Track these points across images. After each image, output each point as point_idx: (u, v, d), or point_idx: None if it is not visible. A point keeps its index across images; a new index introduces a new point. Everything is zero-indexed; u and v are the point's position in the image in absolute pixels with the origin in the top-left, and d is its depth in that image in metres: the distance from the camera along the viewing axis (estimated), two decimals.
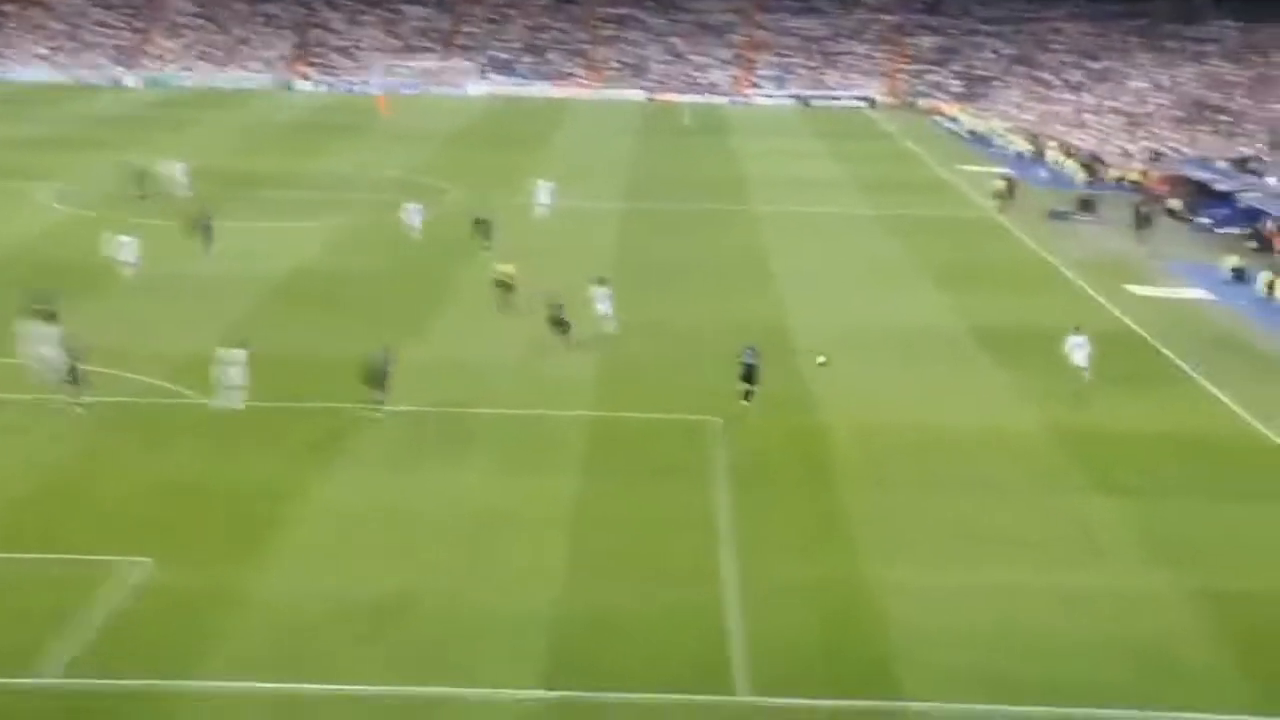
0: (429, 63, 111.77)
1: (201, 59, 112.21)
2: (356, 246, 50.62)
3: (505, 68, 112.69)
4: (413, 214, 51.73)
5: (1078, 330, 34.91)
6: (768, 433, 31.40)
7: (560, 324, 36.25)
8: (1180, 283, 49.11)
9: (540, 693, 20.14)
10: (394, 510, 26.47)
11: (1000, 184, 63.74)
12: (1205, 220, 60.63)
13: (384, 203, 59.06)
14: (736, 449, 30.29)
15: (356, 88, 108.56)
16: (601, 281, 38.51)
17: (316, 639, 21.36)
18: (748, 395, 31.56)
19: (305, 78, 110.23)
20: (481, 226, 49.19)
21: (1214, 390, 35.75)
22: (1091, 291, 46.88)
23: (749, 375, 31.71)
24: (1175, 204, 62.82)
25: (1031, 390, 35.06)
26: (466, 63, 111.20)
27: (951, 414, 33.16)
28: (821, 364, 33.08)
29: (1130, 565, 25.00)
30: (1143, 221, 57.03)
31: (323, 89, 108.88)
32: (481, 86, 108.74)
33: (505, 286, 40.56)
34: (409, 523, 25.94)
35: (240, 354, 31.12)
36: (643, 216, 59.06)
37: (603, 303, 38.09)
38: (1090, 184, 69.39)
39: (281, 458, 28.88)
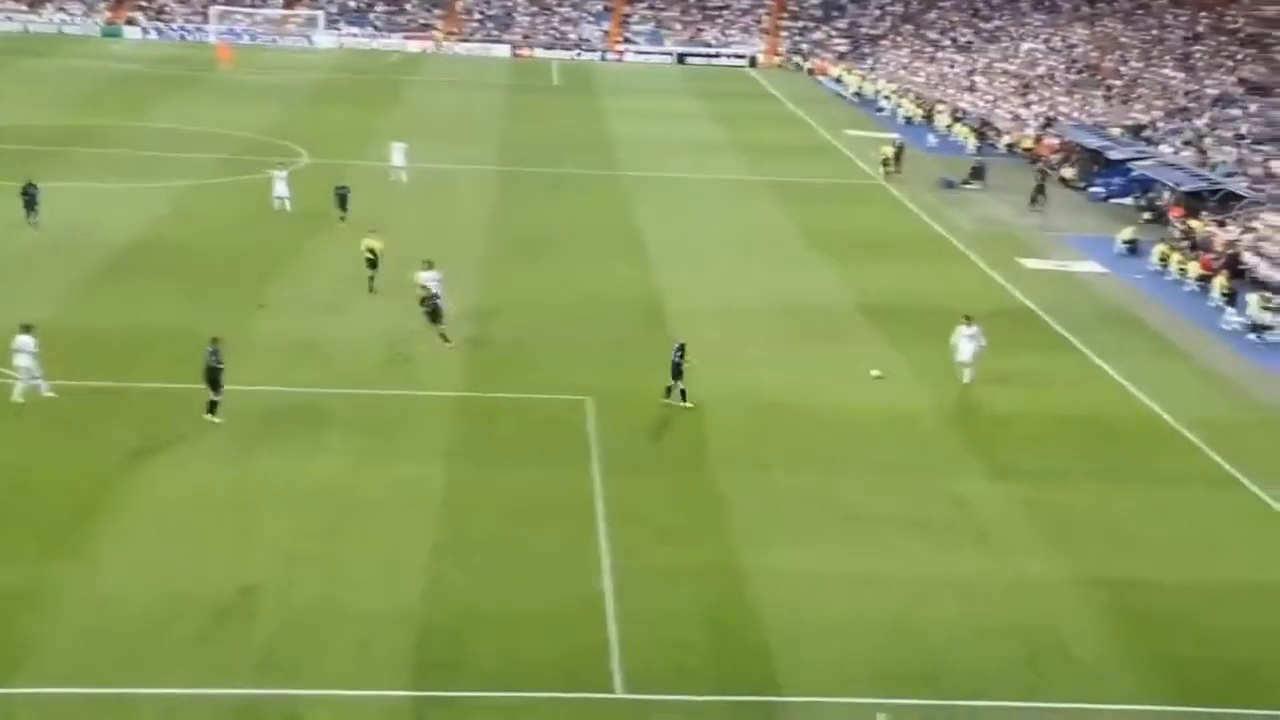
0: (272, 10, 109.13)
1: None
2: (201, 214, 49.61)
3: (357, 18, 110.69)
4: (279, 182, 50.13)
5: (969, 321, 34.38)
6: (644, 413, 31.82)
7: (433, 311, 35.79)
8: (1073, 255, 51.09)
9: (401, 693, 20.20)
10: (235, 501, 26.19)
11: (888, 150, 65.20)
12: (1099, 190, 63.07)
13: (231, 164, 57.97)
14: (611, 430, 30.66)
15: (191, 35, 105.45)
16: (429, 265, 37.41)
17: (145, 641, 21.04)
18: (669, 392, 31.70)
19: (132, 23, 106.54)
20: (339, 195, 48.45)
21: (1107, 368, 37.38)
22: (983, 264, 48.40)
23: (677, 372, 31.78)
24: (1068, 173, 65.19)
25: (920, 368, 36.12)
26: (314, 11, 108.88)
27: (836, 393, 34.01)
28: (877, 378, 33.19)
29: (1019, 550, 26.05)
30: (1038, 192, 59.07)
31: (153, 36, 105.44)
32: (330, 38, 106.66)
33: (371, 263, 39.86)
34: (251, 514, 25.68)
35: (28, 340, 29.85)
36: (510, 181, 58.95)
37: (432, 286, 36.89)
38: (981, 150, 71.52)
39: (109, 445, 28.28)
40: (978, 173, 64.21)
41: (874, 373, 33.26)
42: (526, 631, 22.03)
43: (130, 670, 20.28)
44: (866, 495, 28.08)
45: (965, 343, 34.15)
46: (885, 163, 64.50)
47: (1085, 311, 43.05)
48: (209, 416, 29.77)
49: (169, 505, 25.85)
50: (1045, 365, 37.33)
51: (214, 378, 29.84)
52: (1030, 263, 49.27)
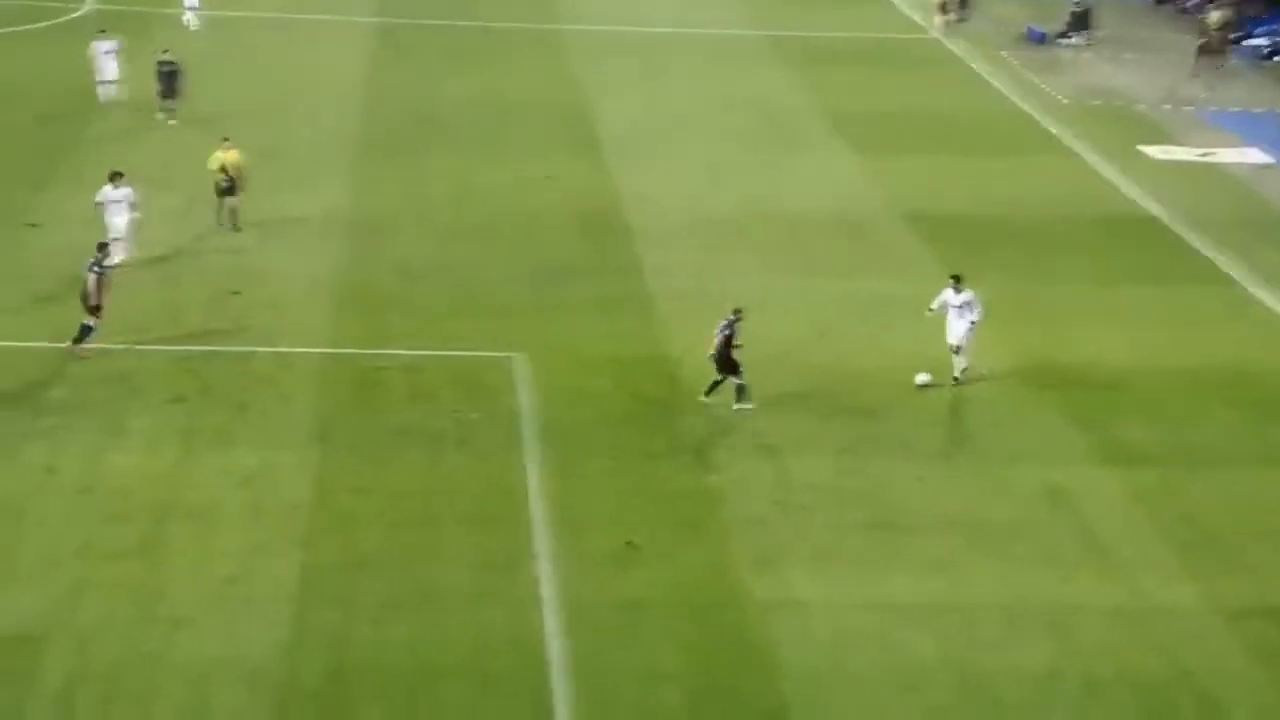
0: None
1: None
2: None
3: None
4: (106, 58, 48.78)
5: (958, 283, 32.47)
6: (597, 375, 31.88)
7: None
8: (1222, 139, 51.42)
9: None
10: None
11: None
12: (1261, 43, 63.21)
13: None
14: (551, 401, 30.77)
15: None
16: (117, 179, 36.47)
17: None
18: (714, 388, 30.79)
19: None
20: (164, 74, 47.31)
21: (1268, 300, 37.80)
22: (1087, 154, 48.66)
23: (725, 360, 30.71)
24: (1214, 17, 65.32)
25: (993, 300, 36.35)
26: None
27: (871, 345, 34.20)
28: (924, 385, 32.07)
29: (1139, 566, 26.28)
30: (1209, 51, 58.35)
31: None
32: None
33: (225, 188, 38.77)
34: (20, 528, 25.55)
35: None
36: (394, 38, 58.69)
37: (118, 213, 36.12)
38: None
39: None
40: (1081, 20, 64.35)
41: (920, 379, 32.93)
42: (430, 693, 22.05)
43: None
44: (915, 491, 28.25)
45: (954, 317, 32.50)
46: (944, 7, 64.52)
47: (1237, 220, 43.46)
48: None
49: None
50: (1177, 299, 37.72)
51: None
52: (1157, 151, 49.64)
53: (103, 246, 32.37)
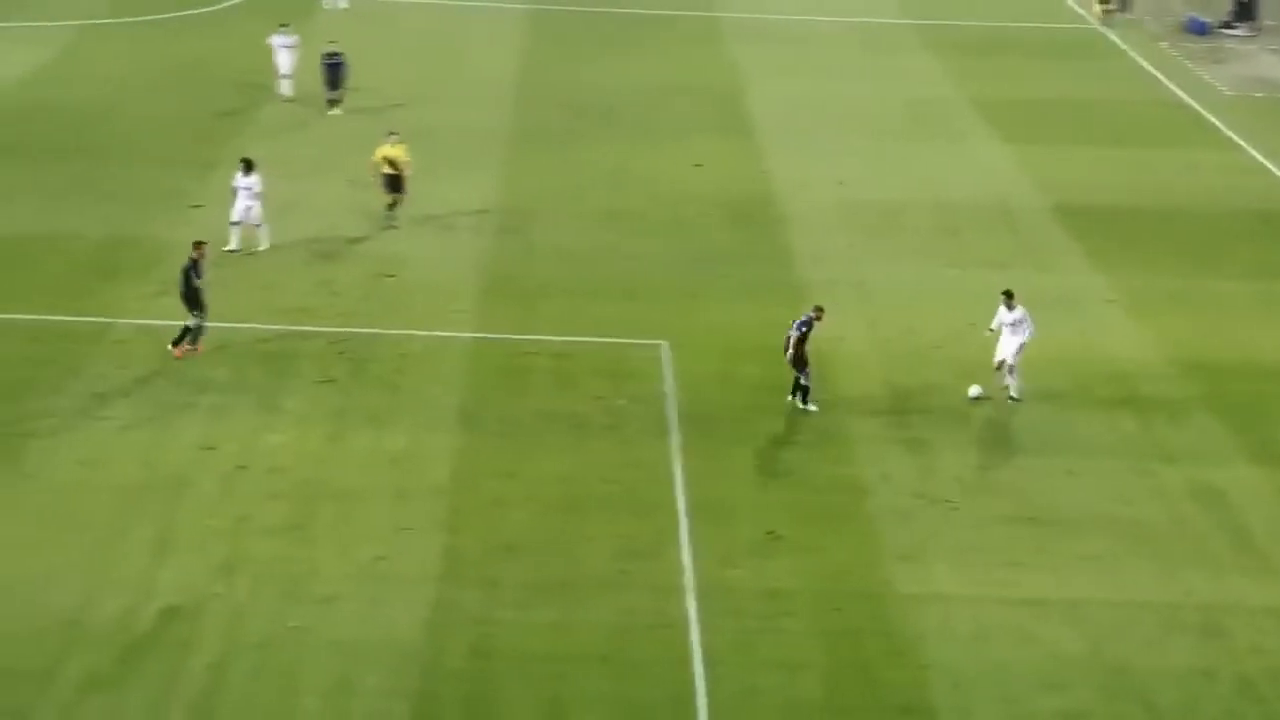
0: None
1: None
2: (99, 71, 50.50)
3: None
4: (283, 51, 48.58)
5: (1010, 300, 30.97)
6: (745, 363, 31.74)
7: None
8: None
9: None
10: (152, 485, 26.48)
11: None
12: None
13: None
14: (697, 389, 30.72)
15: None
16: (247, 166, 36.74)
17: (24, 688, 21.30)
18: (797, 389, 30.23)
19: None
20: (329, 66, 47.03)
21: None
22: (1251, 148, 47.59)
23: (798, 358, 29.99)
24: None
25: (1143, 302, 35.84)
26: None
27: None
28: (976, 399, 30.97)
29: None
30: None
31: None
32: None
33: (391, 180, 38.43)
34: (176, 504, 25.98)
35: None
36: (546, 23, 58.98)
37: (246, 199, 36.35)
38: None
39: None
40: (1245, 10, 63.03)
41: (973, 391, 31.31)
42: (572, 677, 22.15)
43: None
44: (1064, 486, 27.96)
45: (1007, 334, 30.93)
46: None
47: None
48: (183, 348, 30.89)
49: (47, 492, 26.24)
50: None
51: (194, 297, 31.00)
52: None
53: (198, 245, 31.67)
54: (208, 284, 31.39)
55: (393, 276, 35.58)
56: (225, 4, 59.44)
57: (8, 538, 24.85)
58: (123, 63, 51.32)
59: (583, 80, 51.90)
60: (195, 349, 31.06)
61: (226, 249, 35.68)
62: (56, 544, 24.67)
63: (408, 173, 38.32)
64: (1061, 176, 43.97)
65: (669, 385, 30.92)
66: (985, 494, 27.63)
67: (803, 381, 29.95)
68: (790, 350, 29.76)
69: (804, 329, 29.77)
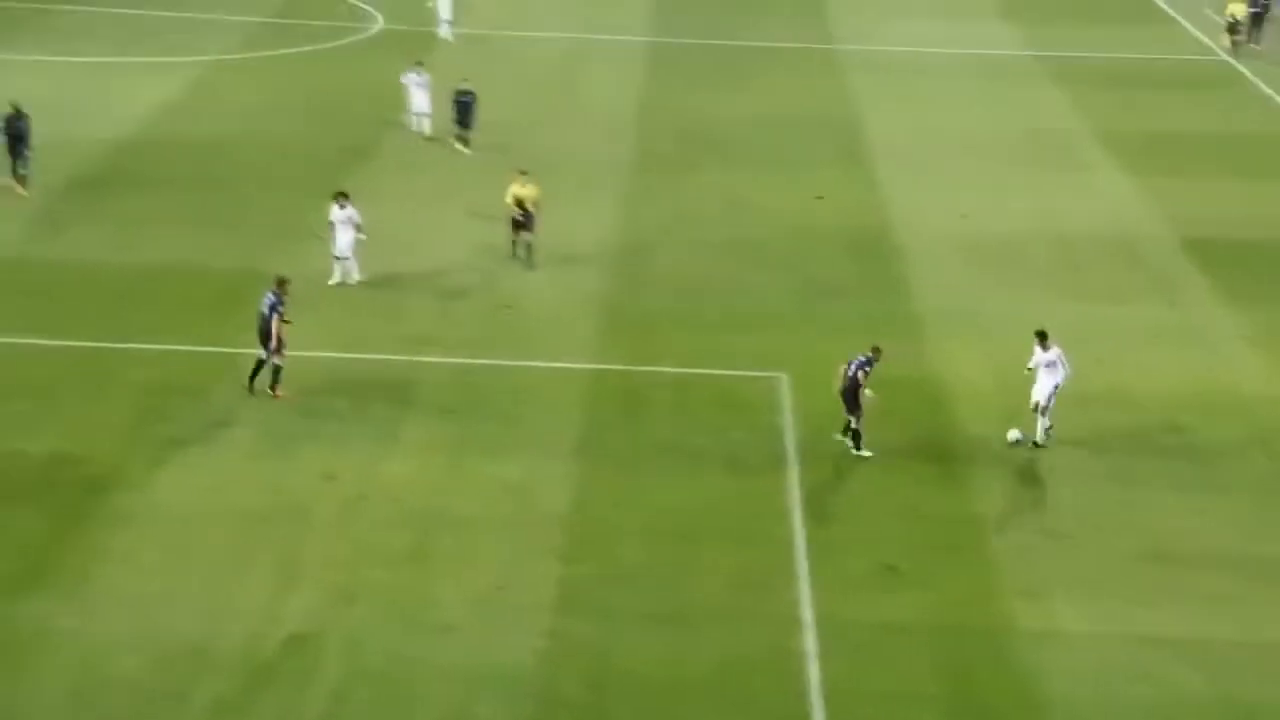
0: None
1: None
2: (226, 103, 51.24)
3: None
4: (417, 90, 48.32)
5: (1044, 341, 30.33)
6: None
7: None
8: None
9: None
10: (275, 513, 26.82)
11: (1239, 7, 63.16)
12: None
13: (273, 31, 59.53)
14: (816, 420, 30.52)
15: None
16: (342, 200, 36.47)
17: (152, 712, 21.66)
18: (848, 430, 29.66)
19: None
20: (459, 104, 46.73)
21: None
22: None
23: (852, 398, 29.34)
24: None
25: (1278, 330, 35.19)
26: None
27: (1146, 372, 33.44)
28: (1015, 443, 29.95)
29: None
30: None
31: None
32: None
33: (518, 221, 37.92)
34: (299, 532, 26.27)
35: None
36: (664, 56, 59.17)
37: (344, 233, 36.11)
38: None
39: (95, 430, 29.30)
40: None
41: (1012, 436, 29.97)
42: (686, 708, 22.11)
43: None
44: (1191, 523, 27.58)
45: (1042, 375, 30.14)
46: (1233, 28, 62.53)
47: None
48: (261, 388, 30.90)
49: (177, 518, 26.63)
50: None
51: (267, 333, 30.68)
52: None
53: (281, 283, 31.21)
54: (286, 322, 30.75)
55: (511, 308, 35.75)
56: (351, 39, 60.19)
57: (138, 563, 25.22)
58: (253, 96, 52.05)
59: (702, 111, 51.92)
60: (273, 392, 30.71)
61: (330, 283, 35.98)
62: (184, 569, 25.04)
63: (538, 213, 37.79)
64: (1188, 210, 43.29)
65: (786, 417, 30.81)
66: (1109, 530, 27.25)
67: (854, 425, 29.31)
68: (845, 388, 29.14)
69: (864, 369, 29.08)
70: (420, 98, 48.10)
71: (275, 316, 30.44)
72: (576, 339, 34.31)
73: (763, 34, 62.79)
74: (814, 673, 22.90)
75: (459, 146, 46.83)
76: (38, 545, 25.52)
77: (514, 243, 38.04)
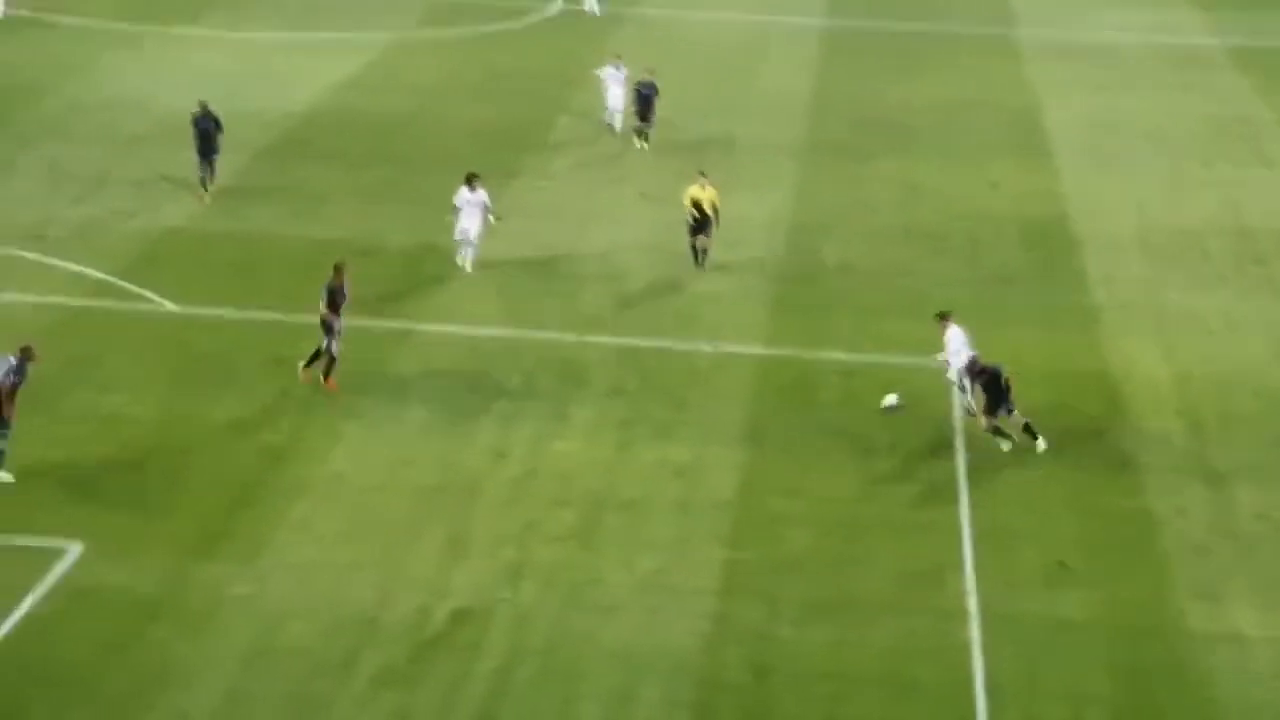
0: None
1: None
2: (404, 81, 52.05)
3: None
4: (613, 84, 47.04)
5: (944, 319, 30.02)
6: (1039, 388, 31.02)
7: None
8: None
9: None
10: (444, 488, 27.14)
11: None
12: None
13: (451, 8, 60.13)
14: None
15: None
16: (474, 181, 36.15)
17: (321, 677, 21.96)
18: (1026, 429, 29.01)
19: None
20: (641, 96, 45.57)
21: None
22: None
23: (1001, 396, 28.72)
24: None
25: None
26: None
27: None
28: (890, 408, 29.62)
29: None
30: None
31: None
32: None
33: (697, 223, 36.83)
34: (468, 508, 26.55)
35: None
36: (837, 41, 58.79)
37: (471, 217, 35.97)
38: None
39: (268, 402, 29.84)
40: None
41: (887, 401, 29.71)
42: (850, 697, 22.01)
43: (301, 714, 21.35)
44: None
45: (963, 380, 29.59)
46: None
47: None
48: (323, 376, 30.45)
49: (352, 490, 27.04)
50: None
51: (328, 322, 30.15)
52: None
53: (338, 268, 30.62)
54: (346, 310, 30.51)
55: (682, 291, 35.78)
56: (529, 20, 60.64)
57: (312, 532, 25.69)
58: (430, 74, 52.76)
59: (877, 96, 51.59)
60: (328, 384, 30.28)
61: (461, 265, 36.17)
62: (357, 541, 25.42)
63: (716, 217, 36.84)
64: None
65: (956, 408, 30.49)
66: None
67: (1023, 422, 28.77)
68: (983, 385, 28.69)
69: (996, 379, 28.53)
70: (617, 93, 46.85)
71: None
72: (747, 324, 34.24)
73: (944, 19, 62.23)
74: (980, 666, 22.65)
75: (639, 143, 45.80)
76: (217, 512, 26.06)
77: (693, 246, 37.04)
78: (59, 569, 24.08)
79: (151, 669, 21.95)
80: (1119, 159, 46.04)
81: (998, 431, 28.87)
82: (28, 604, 23.15)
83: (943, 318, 30.23)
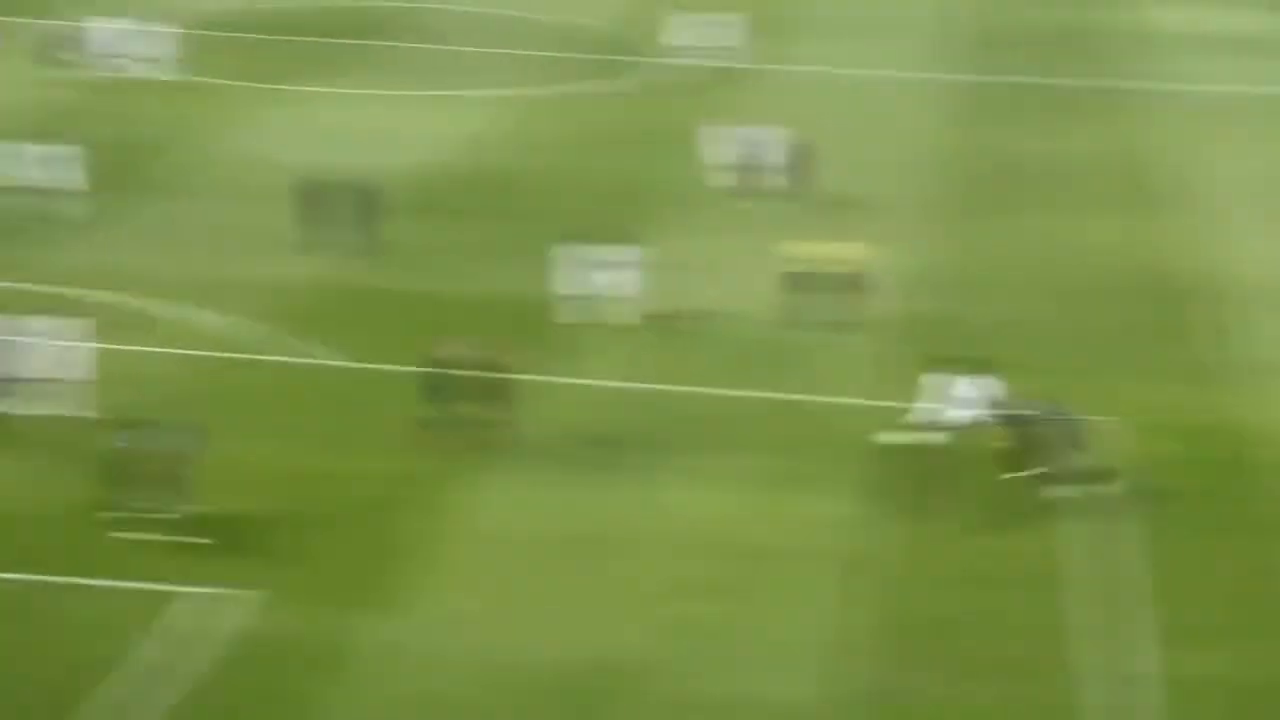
0: None
1: None
2: (531, 137, 52.35)
3: None
4: (748, 141, 46.34)
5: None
6: (1194, 443, 31.03)
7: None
8: None
9: None
10: (584, 541, 27.06)
11: None
12: None
13: (576, 65, 60.54)
14: (1142, 467, 29.94)
15: None
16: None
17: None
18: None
19: None
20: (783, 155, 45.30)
21: None
22: None
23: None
24: None
25: None
26: None
27: None
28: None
29: None
30: None
31: None
32: None
33: (833, 283, 36.70)
34: (608, 560, 26.48)
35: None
36: (962, 94, 58.58)
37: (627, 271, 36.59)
38: None
39: (419, 448, 29.90)
40: None
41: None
42: None
43: None
44: None
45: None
46: None
47: None
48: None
49: (494, 541, 27.06)
50: None
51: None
52: None
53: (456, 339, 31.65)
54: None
55: (828, 346, 35.51)
56: (652, 77, 60.67)
57: (451, 582, 25.66)
58: (554, 131, 52.94)
59: (1020, 150, 51.59)
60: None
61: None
62: (497, 591, 25.38)
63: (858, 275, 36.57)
64: None
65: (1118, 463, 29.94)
66: None
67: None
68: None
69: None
70: (752, 152, 46.29)
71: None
72: (888, 377, 33.71)
73: (1072, 70, 61.96)
74: None
75: (780, 202, 45.04)
76: (355, 560, 26.16)
77: (826, 304, 36.82)
78: (224, 618, 24.16)
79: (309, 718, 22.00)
80: (1268, 213, 45.82)
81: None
82: (192, 653, 23.17)
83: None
